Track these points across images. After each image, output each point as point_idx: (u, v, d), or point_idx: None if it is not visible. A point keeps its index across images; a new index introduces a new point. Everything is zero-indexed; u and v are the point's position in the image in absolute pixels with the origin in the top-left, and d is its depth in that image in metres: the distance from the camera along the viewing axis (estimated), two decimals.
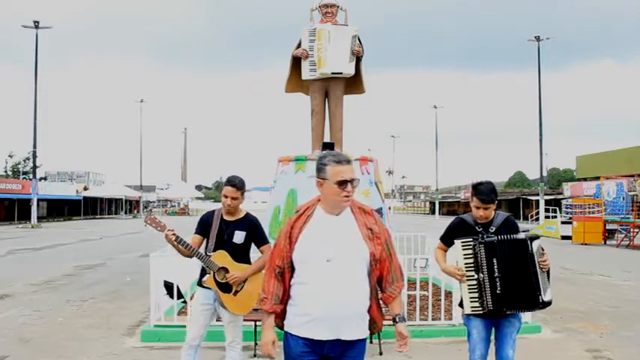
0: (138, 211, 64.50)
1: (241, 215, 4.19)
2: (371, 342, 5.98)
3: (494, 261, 3.63)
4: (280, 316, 2.76)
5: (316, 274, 2.59)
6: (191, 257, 4.12)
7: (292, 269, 2.69)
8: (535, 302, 3.66)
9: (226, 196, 4.07)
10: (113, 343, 6.27)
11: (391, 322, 2.87)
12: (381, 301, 2.83)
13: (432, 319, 6.55)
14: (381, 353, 5.70)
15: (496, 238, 3.66)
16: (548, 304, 3.72)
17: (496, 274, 3.62)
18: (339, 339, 2.61)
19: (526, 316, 6.70)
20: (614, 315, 7.91)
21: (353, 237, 2.66)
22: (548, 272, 3.74)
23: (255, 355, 5.68)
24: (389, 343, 6.00)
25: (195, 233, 4.17)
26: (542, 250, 3.72)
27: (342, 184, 2.61)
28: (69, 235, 26.84)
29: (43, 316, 7.68)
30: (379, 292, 2.79)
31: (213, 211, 4.24)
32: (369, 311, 2.71)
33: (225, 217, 4.15)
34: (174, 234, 3.95)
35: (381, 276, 2.75)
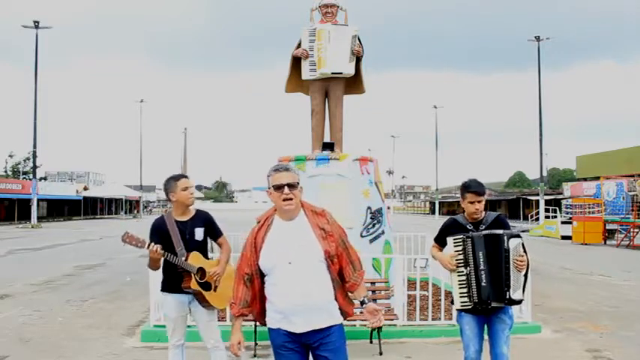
0: (138, 211, 64.46)
1: (193, 213, 4.23)
2: (371, 342, 5.98)
3: (480, 254, 3.76)
4: (261, 316, 3.03)
5: (282, 276, 2.87)
6: (157, 269, 4.13)
7: (261, 274, 2.95)
8: (502, 297, 3.74)
9: (186, 188, 4.12)
10: (113, 343, 6.27)
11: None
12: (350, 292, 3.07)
13: (432, 319, 6.54)
14: (381, 353, 5.70)
15: (482, 232, 3.80)
16: (516, 302, 3.83)
17: (481, 267, 3.76)
18: (313, 329, 2.86)
19: (526, 316, 6.71)
20: (614, 315, 7.90)
21: (308, 239, 2.91)
22: (526, 274, 3.82)
23: (255, 355, 5.68)
24: (389, 343, 6.00)
25: (152, 242, 4.01)
26: (524, 249, 3.80)
27: (278, 188, 2.90)
28: (69, 235, 26.85)
29: (43, 316, 7.68)
30: (342, 283, 3.02)
31: (162, 217, 4.23)
32: (336, 301, 2.96)
33: (179, 219, 4.15)
34: (160, 248, 3.90)
35: (341, 268, 2.99)
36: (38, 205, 38.02)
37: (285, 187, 2.89)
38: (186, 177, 4.21)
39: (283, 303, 2.86)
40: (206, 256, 4.24)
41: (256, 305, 3.00)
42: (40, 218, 38.93)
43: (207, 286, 4.12)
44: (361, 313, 3.23)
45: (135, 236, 3.89)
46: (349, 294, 3.06)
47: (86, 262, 14.20)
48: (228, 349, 3.07)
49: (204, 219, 4.25)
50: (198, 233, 4.18)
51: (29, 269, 13.04)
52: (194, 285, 4.05)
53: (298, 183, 2.96)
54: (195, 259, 4.09)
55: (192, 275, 4.05)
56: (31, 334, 6.69)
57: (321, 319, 2.88)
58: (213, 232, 4.30)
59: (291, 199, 2.89)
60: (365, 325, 6.00)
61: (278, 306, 2.89)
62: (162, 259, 4.04)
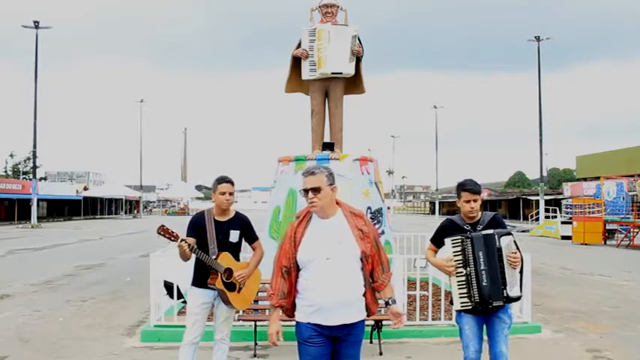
0: (138, 211, 64.43)
1: (232, 215, 4.33)
2: (371, 342, 5.98)
3: (481, 254, 3.78)
4: (291, 309, 3.16)
5: (318, 271, 3.01)
6: (187, 260, 4.20)
7: (297, 267, 3.09)
8: (500, 295, 3.77)
9: (224, 193, 4.20)
10: (113, 343, 6.27)
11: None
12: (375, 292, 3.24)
13: (432, 319, 6.55)
14: (381, 353, 5.70)
15: (482, 232, 3.82)
16: (514, 299, 3.85)
17: (482, 267, 3.77)
18: (343, 324, 3.02)
19: (526, 316, 6.71)
20: (614, 315, 7.90)
21: (347, 238, 3.08)
22: (521, 270, 3.86)
23: (255, 355, 5.68)
24: (389, 343, 6.00)
25: (189, 236, 4.20)
26: (516, 246, 3.84)
27: (304, 193, 3.11)
28: (69, 235, 26.83)
29: (43, 316, 7.68)
30: (372, 282, 3.18)
31: (203, 213, 4.31)
32: (364, 297, 3.12)
33: (218, 218, 4.26)
34: (188, 244, 4.02)
35: (372, 268, 3.16)
36: (38, 205, 37.99)
37: (310, 192, 3.07)
38: (228, 182, 4.23)
39: (319, 297, 2.99)
40: (237, 258, 4.32)
41: (290, 298, 3.12)
42: (40, 218, 38.90)
43: (231, 286, 4.21)
44: (385, 312, 3.33)
45: (169, 230, 4.03)
46: (376, 293, 3.22)
47: (86, 262, 14.19)
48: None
49: (241, 222, 4.34)
50: (233, 235, 4.27)
51: (29, 269, 13.02)
52: (219, 284, 4.15)
53: (332, 183, 3.13)
54: (224, 259, 4.18)
55: (219, 274, 4.14)
56: (31, 334, 6.68)
57: (352, 314, 3.05)
58: (249, 236, 4.41)
59: (315, 202, 3.07)
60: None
61: (312, 300, 3.01)
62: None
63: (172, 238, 4.00)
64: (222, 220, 4.26)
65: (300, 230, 3.10)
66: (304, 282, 3.06)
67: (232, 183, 4.25)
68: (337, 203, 3.18)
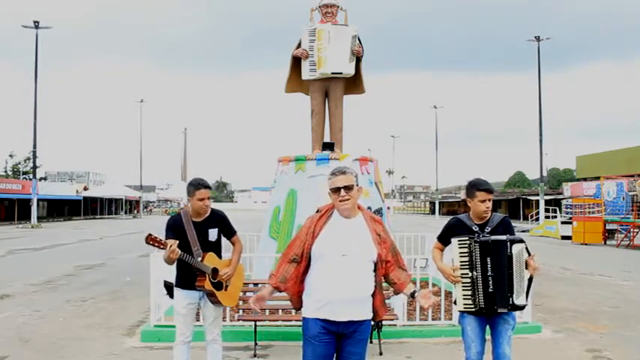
0: (138, 211, 64.42)
1: (207, 214, 4.30)
2: (371, 342, 5.98)
3: (488, 260, 3.71)
4: (298, 299, 3.21)
5: (332, 266, 3.06)
6: (172, 264, 4.17)
7: (308, 260, 3.13)
8: (505, 303, 3.72)
9: (202, 199, 4.17)
10: (113, 343, 6.27)
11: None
12: (389, 296, 3.29)
13: (432, 319, 6.55)
14: (381, 353, 5.70)
15: (490, 237, 3.74)
16: (519, 307, 3.79)
17: (489, 273, 3.70)
18: (351, 320, 3.08)
19: (526, 316, 6.71)
20: (614, 315, 7.90)
21: (365, 239, 3.14)
22: (530, 278, 3.78)
23: (255, 355, 5.68)
24: (389, 343, 6.00)
25: (168, 238, 4.13)
26: (529, 254, 3.77)
27: (335, 191, 3.13)
28: (69, 235, 26.83)
29: (43, 316, 7.68)
30: (391, 285, 3.28)
31: (179, 215, 4.29)
32: (373, 301, 3.17)
33: (194, 219, 4.25)
34: (179, 252, 3.99)
35: (387, 274, 3.22)
36: (38, 205, 38.00)
37: (342, 190, 3.11)
38: (206, 187, 4.22)
39: (328, 291, 3.03)
40: (220, 256, 4.34)
41: (295, 287, 3.17)
42: (40, 218, 38.91)
43: (219, 285, 4.24)
44: (412, 300, 3.40)
45: (157, 238, 3.98)
46: (399, 293, 3.30)
47: (86, 262, 14.20)
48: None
49: (218, 219, 4.35)
50: (212, 234, 4.28)
51: (29, 269, 13.03)
52: (207, 285, 4.16)
53: (357, 184, 3.17)
54: (210, 260, 4.20)
55: (207, 275, 4.15)
56: (31, 334, 6.68)
57: (361, 311, 3.12)
58: (227, 231, 4.43)
59: (347, 199, 3.11)
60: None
61: (321, 294, 3.05)
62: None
63: (162, 247, 3.95)
64: (199, 220, 4.25)
65: (319, 224, 3.15)
66: (314, 276, 3.10)
67: (210, 188, 4.28)
68: (358, 207, 3.23)
